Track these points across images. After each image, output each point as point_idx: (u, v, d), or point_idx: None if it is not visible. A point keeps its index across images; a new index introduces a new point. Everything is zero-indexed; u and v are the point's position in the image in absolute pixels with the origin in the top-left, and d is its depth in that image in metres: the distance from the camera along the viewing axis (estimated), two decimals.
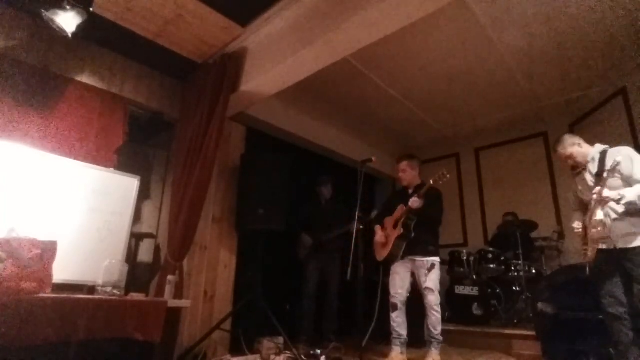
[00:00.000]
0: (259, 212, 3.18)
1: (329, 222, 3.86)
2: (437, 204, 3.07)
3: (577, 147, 2.52)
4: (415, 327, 3.31)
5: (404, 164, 3.24)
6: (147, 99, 3.43)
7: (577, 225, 2.44)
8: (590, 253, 2.34)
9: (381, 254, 3.16)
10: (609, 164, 2.26)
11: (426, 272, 2.96)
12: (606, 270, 2.32)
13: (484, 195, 5.22)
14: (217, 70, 3.16)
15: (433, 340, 2.93)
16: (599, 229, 2.24)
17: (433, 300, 2.93)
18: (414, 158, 3.29)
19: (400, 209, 3.10)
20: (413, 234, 2.97)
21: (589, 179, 2.43)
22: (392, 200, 3.37)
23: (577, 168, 2.56)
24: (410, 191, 3.20)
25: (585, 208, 2.49)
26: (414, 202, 2.90)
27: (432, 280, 2.94)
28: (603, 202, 2.21)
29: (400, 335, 3.03)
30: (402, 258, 3.06)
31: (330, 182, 4.11)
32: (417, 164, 3.27)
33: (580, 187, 2.54)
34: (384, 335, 3.72)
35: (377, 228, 3.28)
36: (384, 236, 3.20)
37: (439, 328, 2.94)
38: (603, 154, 2.39)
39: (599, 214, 2.24)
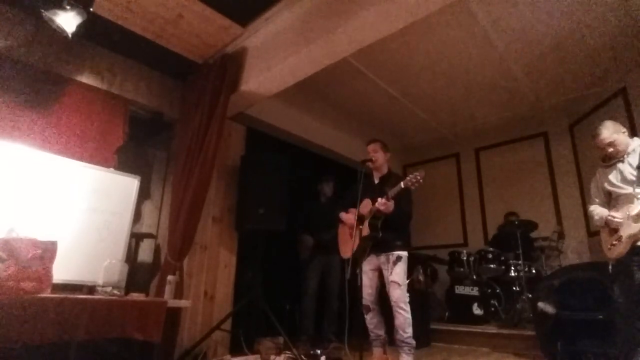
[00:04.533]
0: (259, 212, 3.17)
1: (329, 221, 3.85)
2: (405, 202, 2.81)
3: (622, 135, 2.40)
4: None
5: (375, 145, 3.01)
6: (147, 99, 3.43)
7: (619, 215, 2.29)
8: (623, 248, 2.23)
9: (346, 252, 2.91)
10: None
11: (391, 265, 2.72)
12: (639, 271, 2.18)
13: (484, 195, 5.22)
14: (217, 70, 3.16)
15: (403, 344, 2.65)
16: None
17: (399, 295, 2.65)
18: (385, 145, 3.07)
19: (367, 204, 2.82)
20: (380, 234, 2.73)
21: (629, 171, 2.33)
22: (359, 190, 2.88)
23: (611, 158, 2.44)
24: (377, 181, 3.01)
25: (610, 200, 2.41)
26: (382, 204, 2.62)
27: (397, 274, 2.69)
28: None
29: (378, 335, 2.87)
30: (369, 255, 2.87)
31: (331, 181, 4.10)
32: (387, 150, 3.06)
33: (611, 179, 2.41)
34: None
35: (341, 226, 3.05)
36: (348, 232, 2.97)
37: (409, 330, 2.64)
38: None
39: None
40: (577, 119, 4.48)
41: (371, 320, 2.88)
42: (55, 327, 1.86)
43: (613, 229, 2.32)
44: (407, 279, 2.83)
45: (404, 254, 2.80)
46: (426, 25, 3.11)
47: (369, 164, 2.99)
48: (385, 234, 2.74)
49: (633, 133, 3.59)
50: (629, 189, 2.30)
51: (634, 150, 2.36)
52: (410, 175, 2.54)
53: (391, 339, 2.82)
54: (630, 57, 3.54)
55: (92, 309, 2.02)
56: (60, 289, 2.42)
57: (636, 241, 2.20)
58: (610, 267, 2.38)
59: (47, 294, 2.03)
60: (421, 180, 2.52)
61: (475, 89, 4.14)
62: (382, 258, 2.82)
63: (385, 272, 2.80)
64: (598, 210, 2.46)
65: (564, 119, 4.65)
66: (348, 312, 2.73)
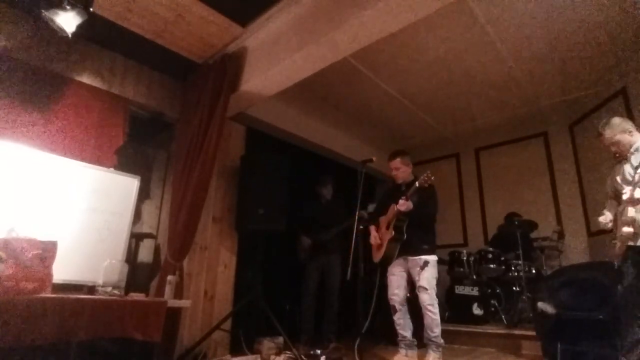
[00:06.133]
0: (259, 212, 3.17)
1: (328, 222, 3.86)
2: (430, 202, 2.97)
3: (626, 135, 2.34)
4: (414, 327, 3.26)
5: (397, 162, 3.16)
6: (147, 99, 3.43)
7: (603, 219, 2.32)
8: (619, 248, 2.27)
9: (376, 256, 3.10)
10: None
11: (419, 270, 2.87)
12: (631, 269, 2.21)
13: (484, 195, 5.22)
14: (217, 70, 3.16)
15: (431, 342, 2.83)
16: (630, 228, 2.15)
17: (426, 299, 2.82)
18: (405, 154, 3.21)
19: (392, 209, 3.00)
20: (405, 236, 2.88)
21: (628, 171, 2.30)
22: (385, 198, 3.26)
23: (619, 156, 2.42)
24: (403, 188, 3.11)
25: (619, 198, 2.42)
26: (403, 204, 2.82)
27: (425, 279, 2.84)
28: (633, 203, 2.12)
29: (404, 337, 2.96)
30: (397, 258, 3.00)
31: (330, 182, 4.10)
32: (409, 159, 3.21)
33: (617, 178, 2.40)
34: (383, 336, 3.73)
35: (372, 228, 3.19)
36: (379, 237, 3.13)
37: (437, 330, 2.82)
38: None
39: (631, 211, 2.15)
40: (577, 119, 4.47)
41: (398, 320, 3.00)
42: (55, 327, 1.86)
43: (604, 228, 2.37)
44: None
45: (432, 258, 2.94)
46: (426, 25, 3.11)
47: (368, 162, 3.08)
48: (410, 236, 2.89)
49: None
50: (626, 189, 2.29)
51: (636, 149, 2.31)
52: (423, 175, 2.76)
53: (420, 337, 3.00)
54: (630, 57, 3.54)
55: (92, 309, 2.03)
56: (60, 289, 2.42)
57: (627, 242, 2.23)
58: (616, 265, 2.38)
59: (47, 294, 2.03)
60: (432, 177, 2.75)
61: (475, 89, 4.14)
62: (411, 262, 2.94)
63: (414, 277, 2.93)
64: (607, 207, 2.47)
65: (564, 119, 4.65)
66: (371, 313, 2.98)
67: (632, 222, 2.16)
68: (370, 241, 3.17)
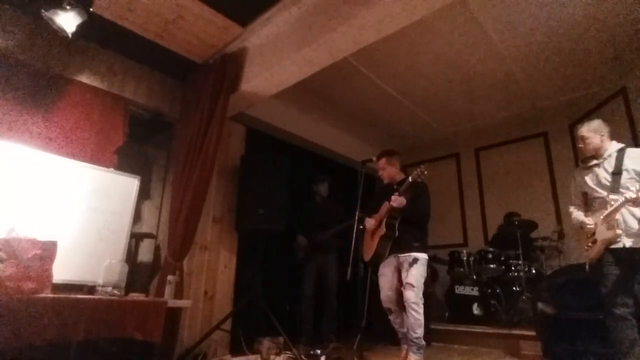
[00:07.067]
0: (259, 212, 3.18)
1: (325, 221, 3.85)
2: (422, 199, 2.93)
3: (597, 137, 2.39)
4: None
5: (382, 162, 3.15)
6: (147, 99, 3.43)
7: (590, 221, 2.34)
8: (597, 251, 2.28)
9: (367, 254, 3.05)
10: (628, 164, 2.25)
11: (408, 266, 2.79)
12: (613, 269, 2.24)
13: (484, 195, 5.22)
14: (217, 71, 3.16)
15: (412, 344, 2.73)
16: (617, 231, 2.18)
17: (411, 296, 2.71)
18: (392, 154, 3.19)
19: (384, 206, 2.96)
20: (397, 233, 2.84)
21: (603, 176, 2.35)
22: (378, 196, 3.21)
23: (587, 158, 2.47)
24: (395, 186, 3.08)
25: (587, 203, 2.45)
26: (396, 200, 2.79)
27: (413, 276, 2.75)
28: (636, 203, 2.13)
29: (404, 334, 2.92)
30: (388, 256, 2.94)
31: (326, 180, 4.09)
32: (395, 159, 3.18)
33: (588, 181, 2.43)
34: (383, 336, 3.73)
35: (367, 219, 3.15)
36: (370, 235, 3.09)
37: (419, 331, 2.70)
38: (621, 153, 2.32)
39: (618, 214, 2.19)
40: (577, 119, 4.47)
41: (395, 320, 2.97)
42: (55, 327, 1.86)
43: (590, 232, 2.37)
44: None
45: (422, 256, 2.85)
46: (426, 25, 3.11)
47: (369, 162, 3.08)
48: (402, 234, 2.84)
49: (633, 133, 3.60)
50: (603, 194, 2.33)
51: (610, 155, 2.37)
52: (417, 170, 2.73)
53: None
54: (630, 57, 3.54)
55: (92, 309, 2.02)
56: (60, 289, 2.42)
57: (609, 245, 2.25)
58: (587, 267, 2.39)
59: (47, 294, 2.03)
60: (425, 172, 2.72)
61: (475, 88, 4.13)
62: (401, 259, 2.88)
63: (402, 273, 2.86)
64: (575, 214, 2.51)
65: (564, 119, 4.65)
66: (365, 313, 2.90)
67: (618, 225, 2.20)
68: (367, 225, 3.09)
